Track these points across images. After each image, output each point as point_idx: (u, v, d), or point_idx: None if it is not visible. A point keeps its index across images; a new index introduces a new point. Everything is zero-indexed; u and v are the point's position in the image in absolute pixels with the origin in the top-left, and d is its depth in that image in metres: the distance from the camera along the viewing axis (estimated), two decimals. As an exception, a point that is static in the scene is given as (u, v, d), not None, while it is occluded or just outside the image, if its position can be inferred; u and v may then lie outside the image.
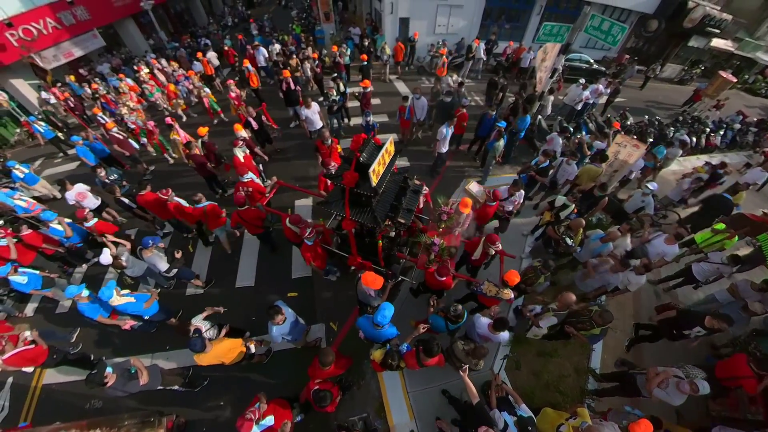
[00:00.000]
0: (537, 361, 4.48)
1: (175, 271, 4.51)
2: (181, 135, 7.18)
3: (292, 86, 8.26)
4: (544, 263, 4.03)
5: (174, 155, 8.02)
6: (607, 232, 4.61)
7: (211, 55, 11.42)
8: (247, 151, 6.04)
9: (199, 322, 3.61)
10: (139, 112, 9.12)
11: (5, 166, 6.87)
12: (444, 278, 3.79)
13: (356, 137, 3.66)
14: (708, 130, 8.96)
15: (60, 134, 9.17)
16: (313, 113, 7.19)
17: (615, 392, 3.86)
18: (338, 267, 5.21)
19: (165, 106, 10.37)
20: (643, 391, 3.35)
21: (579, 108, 9.09)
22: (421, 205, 4.92)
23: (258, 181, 5.55)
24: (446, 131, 6.31)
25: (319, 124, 7.35)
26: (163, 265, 4.34)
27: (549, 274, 4.08)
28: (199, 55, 11.05)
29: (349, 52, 10.54)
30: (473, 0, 12.94)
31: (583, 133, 8.05)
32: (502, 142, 6.27)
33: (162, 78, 10.83)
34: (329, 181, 4.84)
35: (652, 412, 3.42)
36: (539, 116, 8.48)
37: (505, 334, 3.31)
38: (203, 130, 6.61)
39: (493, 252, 4.09)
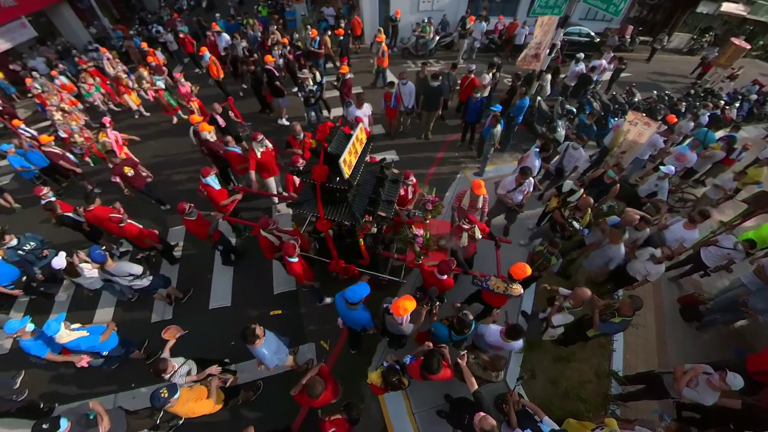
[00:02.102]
0: (553, 367, 4.54)
1: (149, 279, 4.42)
2: (110, 137, 6.82)
3: (276, 74, 8.19)
4: (550, 242, 4.16)
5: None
6: (623, 216, 4.72)
7: (168, 38, 11.21)
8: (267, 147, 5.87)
9: (170, 358, 3.47)
10: (76, 115, 8.75)
11: None
12: (445, 276, 3.76)
13: (322, 126, 3.66)
14: (722, 103, 9.27)
15: None
16: (365, 114, 6.83)
17: (642, 395, 3.96)
18: (319, 276, 5.09)
19: (104, 108, 10.04)
20: (672, 392, 3.43)
21: (572, 84, 9.49)
22: (410, 195, 5.07)
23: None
24: (535, 161, 5.51)
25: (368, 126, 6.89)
26: (136, 268, 4.28)
27: (558, 252, 4.22)
28: (144, 45, 10.82)
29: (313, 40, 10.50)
30: (461, -28, 13.12)
31: (587, 112, 8.23)
32: (499, 128, 6.35)
33: (111, 71, 10.51)
34: (298, 180, 4.87)
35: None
36: (538, 97, 8.63)
37: (518, 343, 3.34)
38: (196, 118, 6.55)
39: (480, 236, 4.18)
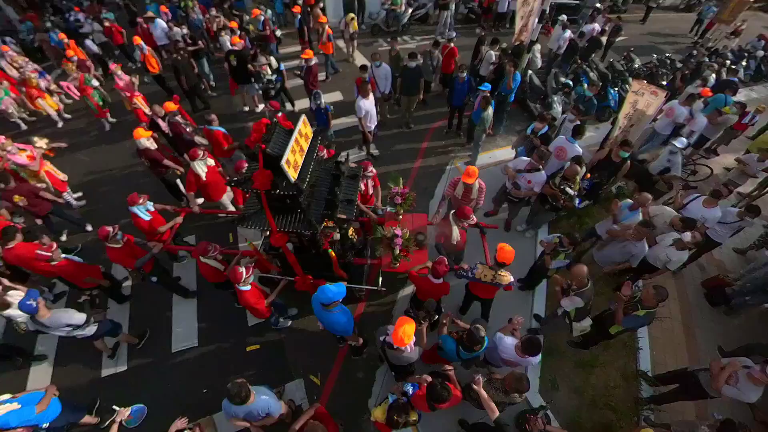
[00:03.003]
0: (576, 374, 4.62)
1: (94, 326, 4.18)
2: (18, 160, 6.15)
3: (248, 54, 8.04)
4: (570, 237, 4.18)
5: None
6: (635, 198, 4.84)
7: (96, 28, 10.69)
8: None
9: None
10: None
11: None
12: (441, 280, 3.76)
13: (256, 125, 3.59)
14: (728, 62, 9.69)
15: None
16: (374, 104, 6.68)
17: (676, 396, 4.06)
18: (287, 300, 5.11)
19: (17, 114, 9.35)
20: (710, 391, 3.53)
21: (561, 52, 9.75)
22: (370, 191, 5.11)
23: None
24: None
25: (375, 121, 6.88)
26: (77, 317, 4.03)
27: (571, 250, 4.24)
28: (62, 37, 10.31)
29: (269, 16, 10.39)
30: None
31: (585, 85, 8.44)
32: (490, 111, 6.38)
33: (14, 73, 9.85)
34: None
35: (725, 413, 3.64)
36: (529, 71, 8.78)
37: (536, 358, 3.35)
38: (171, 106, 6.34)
39: (467, 225, 4.29)
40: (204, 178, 5.41)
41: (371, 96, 6.49)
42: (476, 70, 8.49)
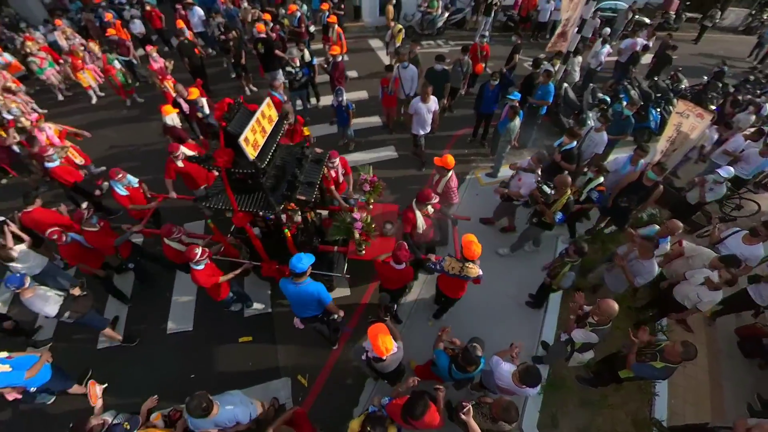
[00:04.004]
0: (581, 413, 4.29)
1: (69, 316, 4.17)
2: (45, 133, 6.57)
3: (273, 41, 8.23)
4: (576, 247, 3.95)
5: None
6: (664, 224, 4.48)
7: (135, 14, 11.15)
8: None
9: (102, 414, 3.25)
10: (21, 97, 8.60)
11: None
12: (403, 266, 3.74)
13: (219, 104, 3.69)
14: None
15: None
16: (429, 111, 6.41)
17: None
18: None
19: (61, 87, 10.04)
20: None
21: (599, 69, 9.44)
22: (340, 179, 5.20)
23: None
24: None
25: (428, 128, 6.66)
26: (50, 308, 4.01)
27: (578, 261, 4.04)
28: (109, 17, 10.83)
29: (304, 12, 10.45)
30: (475, -63, 12.98)
31: (624, 102, 7.98)
32: (517, 121, 6.12)
33: (63, 44, 10.44)
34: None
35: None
36: (564, 84, 8.41)
37: (534, 389, 3.09)
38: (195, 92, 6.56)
39: (431, 211, 4.34)
40: (181, 166, 5.51)
41: (431, 100, 6.28)
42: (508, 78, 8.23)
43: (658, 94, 8.55)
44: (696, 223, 6.17)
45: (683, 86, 9.04)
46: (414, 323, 5.04)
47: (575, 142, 5.64)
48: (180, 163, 5.45)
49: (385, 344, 2.97)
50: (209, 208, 4.00)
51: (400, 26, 9.39)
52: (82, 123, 8.69)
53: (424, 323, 5.03)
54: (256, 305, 5.26)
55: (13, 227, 4.86)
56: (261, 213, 3.87)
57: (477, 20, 12.42)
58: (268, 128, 3.73)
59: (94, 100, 9.79)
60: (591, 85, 9.01)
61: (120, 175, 5.04)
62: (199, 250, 3.87)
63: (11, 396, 3.79)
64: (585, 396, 4.35)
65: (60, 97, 10.06)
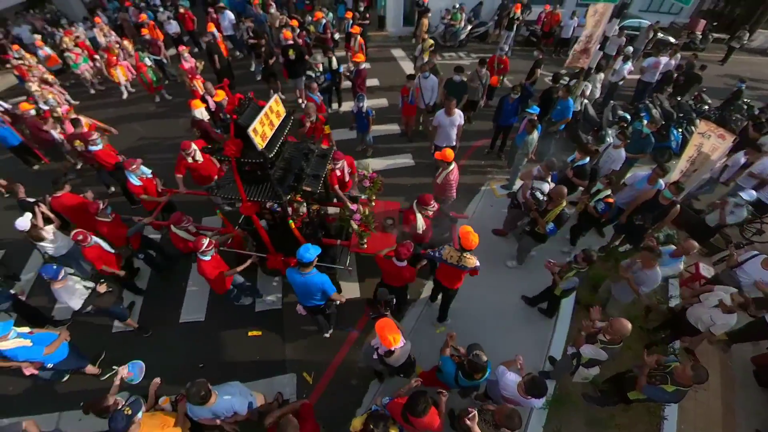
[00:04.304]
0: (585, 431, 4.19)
1: (91, 309, 4.35)
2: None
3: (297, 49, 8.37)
4: (584, 255, 4.00)
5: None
6: (680, 244, 4.42)
7: (170, 16, 11.71)
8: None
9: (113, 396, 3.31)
10: (56, 89, 9.11)
11: None
12: (405, 263, 3.86)
13: (231, 99, 3.86)
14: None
15: None
16: (454, 124, 6.33)
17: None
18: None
19: (94, 81, 10.60)
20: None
21: (620, 84, 9.42)
22: (347, 177, 5.35)
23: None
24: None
25: (452, 141, 6.54)
26: (75, 302, 4.16)
27: (585, 269, 4.06)
28: (143, 17, 11.30)
29: (330, 20, 10.70)
30: (501, -48, 13.14)
31: (645, 121, 7.92)
32: (535, 135, 6.14)
33: (102, 40, 11.06)
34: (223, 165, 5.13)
35: None
36: (585, 100, 8.39)
37: (539, 401, 3.08)
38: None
39: (430, 213, 4.51)
40: (191, 162, 5.68)
41: (456, 114, 6.24)
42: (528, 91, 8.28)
43: (681, 114, 8.46)
44: (714, 246, 6.04)
45: (706, 107, 8.93)
46: (420, 328, 5.06)
47: (588, 159, 5.66)
48: (190, 159, 5.64)
49: (392, 336, 3.07)
50: (221, 198, 4.22)
51: (431, 41, 9.35)
52: (112, 116, 9.21)
53: (430, 329, 5.04)
54: (269, 298, 5.37)
55: (44, 208, 5.13)
56: (268, 203, 4.07)
57: (499, 34, 12.48)
58: (276, 122, 3.94)
59: (124, 95, 10.26)
60: (611, 102, 8.99)
61: (134, 166, 5.25)
62: (206, 241, 4.02)
63: (29, 371, 3.96)
64: (592, 414, 4.27)
65: (92, 91, 10.62)
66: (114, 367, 3.69)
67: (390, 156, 7.74)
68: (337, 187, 5.21)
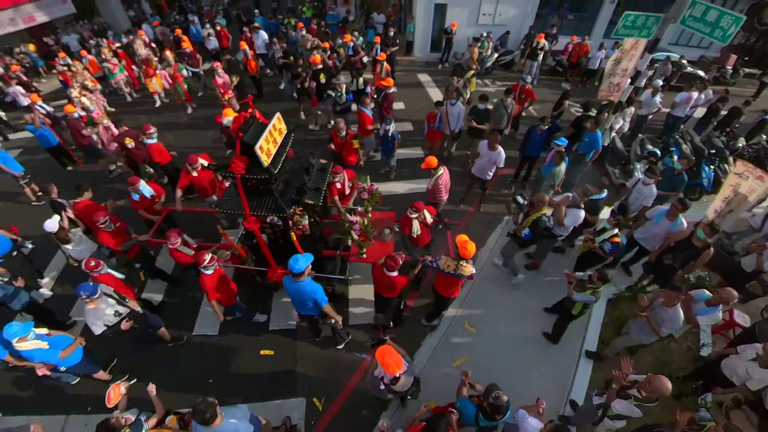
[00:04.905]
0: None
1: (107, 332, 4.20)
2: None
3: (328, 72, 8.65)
4: (601, 273, 3.96)
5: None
6: (717, 292, 4.19)
7: (210, 32, 12.41)
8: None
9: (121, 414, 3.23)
10: (97, 95, 9.67)
11: None
12: (395, 274, 3.94)
13: (237, 117, 3.98)
14: None
15: (2, 113, 9.97)
16: (495, 161, 6.17)
17: None
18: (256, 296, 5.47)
19: (127, 90, 11.26)
20: None
21: (649, 118, 9.31)
22: (346, 191, 5.49)
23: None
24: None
25: (486, 176, 6.47)
26: (97, 327, 4.03)
27: (599, 288, 4.01)
28: (178, 32, 12.12)
29: (360, 43, 11.04)
30: (530, -17, 13.37)
31: (675, 157, 7.73)
32: (563, 167, 6.06)
33: (142, 51, 11.73)
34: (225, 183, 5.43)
35: None
36: (613, 133, 8.28)
37: None
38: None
39: (431, 220, 4.79)
40: (195, 176, 5.86)
41: (497, 151, 6.09)
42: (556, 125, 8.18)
43: (712, 150, 8.21)
44: (750, 292, 5.73)
45: (740, 144, 8.65)
46: (438, 358, 4.92)
47: (604, 194, 5.58)
48: (195, 173, 5.81)
49: (394, 363, 3.05)
50: (223, 213, 4.39)
51: (473, 71, 9.31)
52: (145, 123, 9.61)
53: (447, 360, 4.89)
54: (290, 322, 5.30)
55: (70, 212, 5.33)
56: (270, 217, 4.22)
57: (525, 63, 12.57)
58: (279, 139, 4.13)
59: (157, 104, 10.86)
60: (640, 135, 8.82)
61: (134, 186, 5.41)
62: (208, 256, 4.10)
63: (41, 371, 3.97)
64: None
65: (128, 99, 11.33)
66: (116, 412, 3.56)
67: (412, 180, 7.72)
68: (336, 198, 5.37)
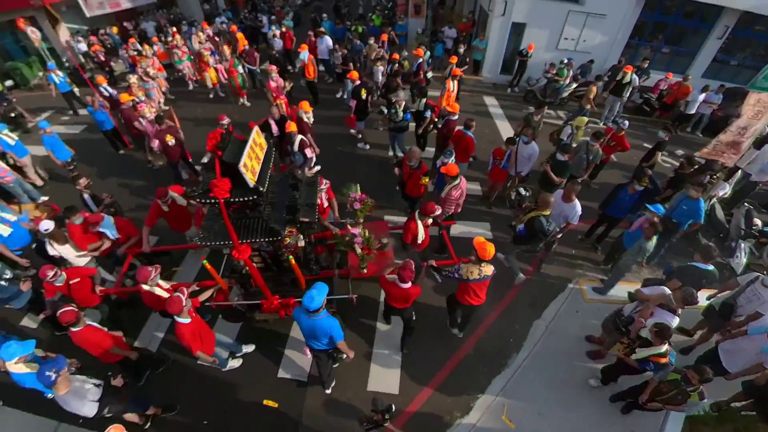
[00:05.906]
0: None
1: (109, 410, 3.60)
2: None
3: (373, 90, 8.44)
4: (700, 371, 3.31)
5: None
6: None
7: (277, 34, 12.69)
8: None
9: None
10: (160, 82, 10.09)
11: None
12: (409, 284, 3.83)
13: (211, 134, 3.44)
14: None
15: (76, 89, 10.40)
16: (563, 213, 5.25)
17: None
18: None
19: (192, 77, 11.72)
20: None
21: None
22: (325, 204, 5.20)
23: None
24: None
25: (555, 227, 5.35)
26: (88, 407, 3.38)
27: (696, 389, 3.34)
28: (234, 29, 12.54)
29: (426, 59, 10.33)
30: (622, 8, 11.90)
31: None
32: (654, 241, 4.89)
33: (196, 45, 12.01)
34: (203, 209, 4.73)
35: None
36: (714, 200, 6.86)
37: None
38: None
39: (430, 222, 4.71)
40: (166, 210, 5.21)
41: (573, 204, 5.17)
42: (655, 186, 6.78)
43: None
44: None
45: None
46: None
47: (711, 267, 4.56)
48: (165, 208, 5.18)
49: None
50: (207, 246, 3.87)
51: (586, 119, 7.72)
52: (200, 116, 10.16)
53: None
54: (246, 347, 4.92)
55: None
56: (262, 242, 3.85)
57: (605, 96, 11.12)
58: (261, 155, 3.79)
59: (211, 96, 11.21)
60: (745, 204, 7.25)
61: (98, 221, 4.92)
62: (185, 302, 3.52)
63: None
64: None
65: (191, 87, 11.79)
66: None
67: (466, 221, 6.71)
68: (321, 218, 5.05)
